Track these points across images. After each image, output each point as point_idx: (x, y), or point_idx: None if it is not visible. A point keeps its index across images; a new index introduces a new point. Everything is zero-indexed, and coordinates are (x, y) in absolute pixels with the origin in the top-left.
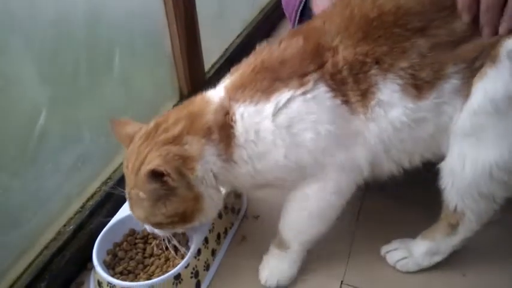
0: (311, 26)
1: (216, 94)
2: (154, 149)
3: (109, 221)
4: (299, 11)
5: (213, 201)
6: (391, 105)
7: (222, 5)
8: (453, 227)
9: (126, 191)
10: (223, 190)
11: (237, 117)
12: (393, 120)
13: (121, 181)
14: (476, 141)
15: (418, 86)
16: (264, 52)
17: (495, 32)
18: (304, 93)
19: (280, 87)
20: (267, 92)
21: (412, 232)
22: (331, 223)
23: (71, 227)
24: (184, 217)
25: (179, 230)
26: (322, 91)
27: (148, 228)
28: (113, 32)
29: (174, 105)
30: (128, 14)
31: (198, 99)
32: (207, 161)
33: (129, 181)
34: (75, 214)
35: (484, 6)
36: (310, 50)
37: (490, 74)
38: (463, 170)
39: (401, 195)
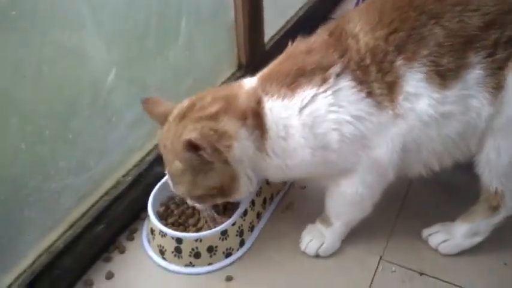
0: (340, 17)
1: (251, 82)
2: (190, 123)
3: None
4: None
5: (249, 182)
6: (418, 97)
7: None
8: (494, 209)
9: (167, 170)
10: None
11: (267, 110)
12: (421, 114)
13: None
14: (509, 133)
15: (442, 73)
16: (294, 45)
17: None
18: (326, 91)
19: (303, 83)
20: (292, 87)
21: (452, 215)
22: (367, 211)
23: (129, 178)
24: (223, 191)
25: (219, 201)
26: (345, 85)
27: (190, 202)
28: (181, 0)
29: (232, 74)
30: None
31: (234, 85)
32: (243, 143)
33: (168, 159)
34: (134, 166)
35: None
36: (334, 39)
37: None
38: (498, 158)
39: (441, 182)
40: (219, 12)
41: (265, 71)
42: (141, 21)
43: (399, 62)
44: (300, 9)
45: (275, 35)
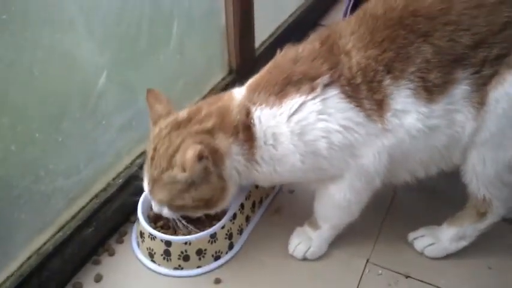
0: (332, 28)
1: (240, 93)
2: (189, 137)
3: None
4: None
5: (232, 194)
6: (406, 112)
7: None
8: (482, 215)
9: (151, 174)
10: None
11: (256, 120)
12: (409, 128)
13: None
14: (494, 145)
15: (429, 88)
16: (282, 53)
17: None
18: (314, 98)
19: (291, 92)
20: (280, 95)
21: (438, 219)
22: (354, 215)
23: (119, 181)
24: (209, 203)
25: (199, 214)
26: (334, 95)
27: (157, 209)
28: (173, 4)
29: (223, 78)
30: None
31: (225, 96)
32: (233, 159)
33: (159, 164)
34: (124, 169)
35: None
36: (325, 51)
37: (509, 79)
38: (484, 169)
39: (431, 186)
40: (210, 17)
41: (252, 80)
42: (132, 25)
43: (387, 81)
44: (290, 15)
45: (266, 40)
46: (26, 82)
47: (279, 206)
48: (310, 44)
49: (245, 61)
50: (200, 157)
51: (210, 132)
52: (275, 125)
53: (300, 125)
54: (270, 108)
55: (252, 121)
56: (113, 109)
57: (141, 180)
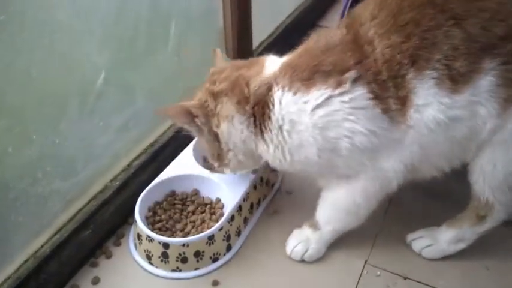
0: (353, 13)
1: (274, 65)
2: (200, 91)
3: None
4: None
5: (238, 162)
6: (427, 105)
7: None
8: (481, 218)
9: None
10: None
11: (276, 100)
12: (429, 121)
13: (166, 145)
14: (509, 148)
15: (454, 77)
16: (314, 38)
17: None
18: (341, 94)
19: (319, 82)
20: (307, 83)
21: (436, 221)
22: (360, 220)
23: (117, 183)
24: (217, 158)
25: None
26: (361, 94)
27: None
28: (171, 5)
29: None
30: None
31: (258, 63)
32: (234, 125)
33: None
34: (121, 171)
35: None
36: (350, 41)
37: None
38: (493, 170)
39: (428, 187)
40: (208, 17)
41: (285, 60)
42: (130, 26)
43: (411, 74)
44: (288, 16)
45: (264, 41)
46: (24, 83)
47: (277, 207)
48: (340, 30)
49: None
50: (187, 113)
51: (215, 95)
52: (295, 112)
53: (324, 120)
54: (294, 93)
55: (271, 100)
56: (110, 110)
57: (139, 181)
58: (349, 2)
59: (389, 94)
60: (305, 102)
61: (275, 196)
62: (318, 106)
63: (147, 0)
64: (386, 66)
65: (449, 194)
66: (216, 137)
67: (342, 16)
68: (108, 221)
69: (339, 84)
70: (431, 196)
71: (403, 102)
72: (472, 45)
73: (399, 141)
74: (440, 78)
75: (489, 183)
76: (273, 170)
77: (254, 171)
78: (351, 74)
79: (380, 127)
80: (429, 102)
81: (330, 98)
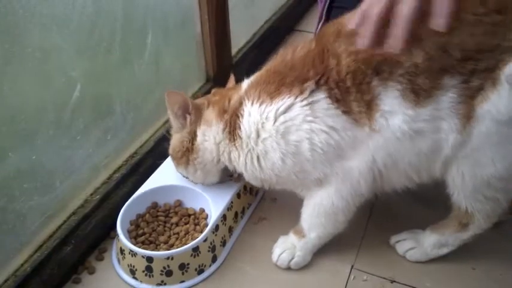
0: (326, 29)
1: (244, 85)
2: (201, 99)
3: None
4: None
5: (202, 167)
6: (393, 113)
7: None
8: (464, 226)
9: None
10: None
11: (245, 112)
12: (395, 129)
13: (147, 156)
14: (473, 162)
15: (416, 91)
16: (283, 53)
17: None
18: (302, 101)
19: (283, 92)
20: (272, 95)
21: (421, 225)
22: (340, 226)
23: (97, 197)
24: (181, 157)
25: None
26: (321, 99)
27: None
28: (147, 13)
29: (200, 87)
30: None
31: (239, 85)
32: (212, 131)
33: None
34: (102, 184)
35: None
36: (315, 55)
37: (493, 98)
38: (463, 182)
39: (413, 191)
40: (185, 25)
41: (255, 77)
42: (106, 37)
43: (375, 82)
44: (266, 22)
45: (243, 47)
46: None
47: (261, 215)
48: (308, 44)
49: (222, 69)
50: (185, 103)
51: (208, 104)
52: (261, 121)
53: (285, 125)
54: (259, 105)
55: (241, 112)
56: (87, 123)
57: (120, 194)
58: (326, 5)
59: (352, 98)
60: (269, 112)
61: (260, 204)
62: (281, 113)
63: (122, 10)
64: (350, 75)
65: (436, 197)
66: (194, 135)
67: (320, 19)
68: (90, 236)
69: (301, 92)
70: (417, 200)
71: (368, 105)
72: (432, 65)
73: (363, 143)
74: (404, 91)
75: (463, 194)
76: None
77: (237, 180)
78: (310, 84)
79: (341, 124)
80: (395, 111)
81: (291, 105)
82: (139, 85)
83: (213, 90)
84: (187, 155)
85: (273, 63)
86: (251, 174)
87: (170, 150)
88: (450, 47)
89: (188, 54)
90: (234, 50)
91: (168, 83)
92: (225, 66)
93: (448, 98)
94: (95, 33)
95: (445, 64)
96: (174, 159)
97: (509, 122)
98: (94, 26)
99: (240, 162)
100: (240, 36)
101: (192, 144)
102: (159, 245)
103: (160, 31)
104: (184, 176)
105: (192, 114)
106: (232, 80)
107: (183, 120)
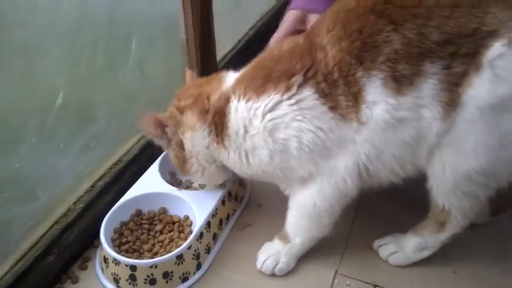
0: (314, 24)
1: (232, 78)
2: (169, 107)
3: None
4: None
5: (202, 172)
6: (376, 103)
7: None
8: (441, 225)
9: None
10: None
11: (232, 109)
12: (378, 119)
13: (131, 163)
14: (455, 151)
15: (398, 79)
16: (270, 48)
17: None
18: (289, 98)
19: (269, 89)
20: (258, 91)
21: (404, 228)
22: (324, 229)
23: (80, 205)
24: (181, 168)
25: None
26: (307, 96)
27: None
28: (131, 19)
29: None
30: (146, 2)
31: (217, 79)
32: (198, 134)
33: None
34: (85, 193)
35: None
36: (303, 48)
37: (476, 83)
38: (443, 174)
39: (396, 194)
40: (169, 31)
41: (242, 72)
42: (89, 43)
43: (360, 73)
44: (251, 28)
45: (228, 52)
46: None
47: (247, 220)
48: (296, 39)
49: (208, 74)
50: (158, 123)
51: (181, 109)
52: (249, 118)
53: (273, 123)
54: (246, 101)
55: (228, 109)
56: (71, 131)
57: (104, 202)
58: None
59: (340, 91)
60: (256, 108)
61: (245, 210)
62: (268, 111)
63: (107, 16)
64: (337, 67)
65: (419, 200)
66: (181, 144)
67: None
68: (73, 244)
69: (287, 88)
70: (401, 203)
71: (356, 98)
72: (411, 50)
73: (350, 140)
74: (386, 79)
75: (442, 188)
76: (241, 185)
77: (222, 186)
78: (298, 78)
79: (327, 124)
80: (378, 100)
81: (279, 102)
82: (123, 92)
83: (176, 94)
84: (185, 164)
85: (260, 57)
86: (239, 170)
87: (173, 164)
88: (428, 30)
89: (173, 60)
90: (219, 56)
91: (153, 89)
92: (211, 71)
93: (430, 85)
94: (78, 39)
95: (425, 49)
96: (179, 171)
97: (492, 108)
98: (78, 32)
99: (229, 159)
100: (226, 41)
101: (183, 152)
102: (143, 253)
103: (145, 37)
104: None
105: (168, 124)
106: (189, 74)
107: (164, 135)
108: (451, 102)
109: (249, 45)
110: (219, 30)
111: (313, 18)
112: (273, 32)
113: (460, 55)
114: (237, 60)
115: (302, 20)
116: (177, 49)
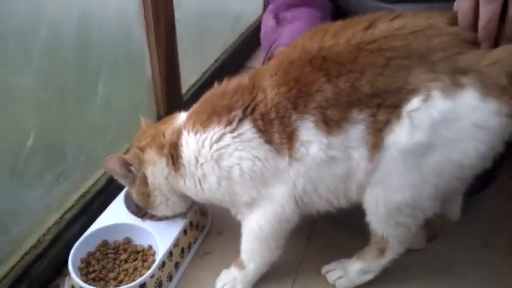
0: (259, 68)
1: (183, 117)
2: (132, 149)
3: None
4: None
5: (165, 203)
6: (311, 142)
7: (202, 29)
8: (381, 251)
9: None
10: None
11: (183, 142)
12: (314, 157)
13: (98, 194)
14: (384, 188)
15: (328, 122)
16: (214, 87)
17: (494, 46)
18: (232, 132)
19: (214, 122)
20: (204, 124)
21: (354, 253)
22: (274, 250)
23: (49, 236)
24: (146, 205)
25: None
26: (246, 130)
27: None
28: (98, 60)
29: None
30: (112, 39)
31: (171, 118)
32: (158, 166)
33: None
34: (54, 224)
35: (483, 22)
36: (245, 88)
37: (397, 130)
38: (377, 208)
39: (348, 221)
40: (135, 67)
41: (192, 109)
42: (59, 85)
43: (294, 116)
44: (216, 60)
45: (193, 85)
46: None
47: (207, 249)
48: (241, 79)
49: (173, 108)
50: (124, 163)
51: (142, 148)
52: (198, 148)
53: (219, 153)
54: (195, 133)
55: (181, 142)
56: (41, 168)
57: (72, 233)
58: (267, 57)
59: (275, 130)
60: (204, 140)
61: (206, 237)
62: (214, 142)
63: (74, 58)
64: (274, 109)
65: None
66: (145, 179)
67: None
68: (43, 274)
69: (229, 122)
70: (352, 229)
71: (290, 137)
72: (341, 98)
73: (284, 171)
74: (317, 122)
75: (377, 220)
76: (202, 214)
77: (184, 216)
78: (237, 113)
79: (263, 154)
80: (312, 140)
81: (223, 134)
82: (91, 129)
83: (135, 139)
84: (149, 198)
85: (208, 93)
86: (195, 195)
87: (136, 202)
88: (360, 84)
89: (139, 95)
90: (184, 88)
91: (120, 123)
92: (176, 105)
93: (357, 130)
94: (48, 84)
95: (354, 98)
96: (143, 207)
97: (411, 152)
98: (48, 77)
99: (186, 186)
100: (191, 74)
101: (147, 187)
102: (109, 281)
103: (112, 74)
104: (165, 218)
105: (133, 163)
106: (144, 121)
107: (130, 174)
108: (376, 145)
109: (214, 77)
110: (184, 63)
111: None
112: (238, 64)
113: (385, 106)
114: (202, 92)
115: None
116: (143, 84)
